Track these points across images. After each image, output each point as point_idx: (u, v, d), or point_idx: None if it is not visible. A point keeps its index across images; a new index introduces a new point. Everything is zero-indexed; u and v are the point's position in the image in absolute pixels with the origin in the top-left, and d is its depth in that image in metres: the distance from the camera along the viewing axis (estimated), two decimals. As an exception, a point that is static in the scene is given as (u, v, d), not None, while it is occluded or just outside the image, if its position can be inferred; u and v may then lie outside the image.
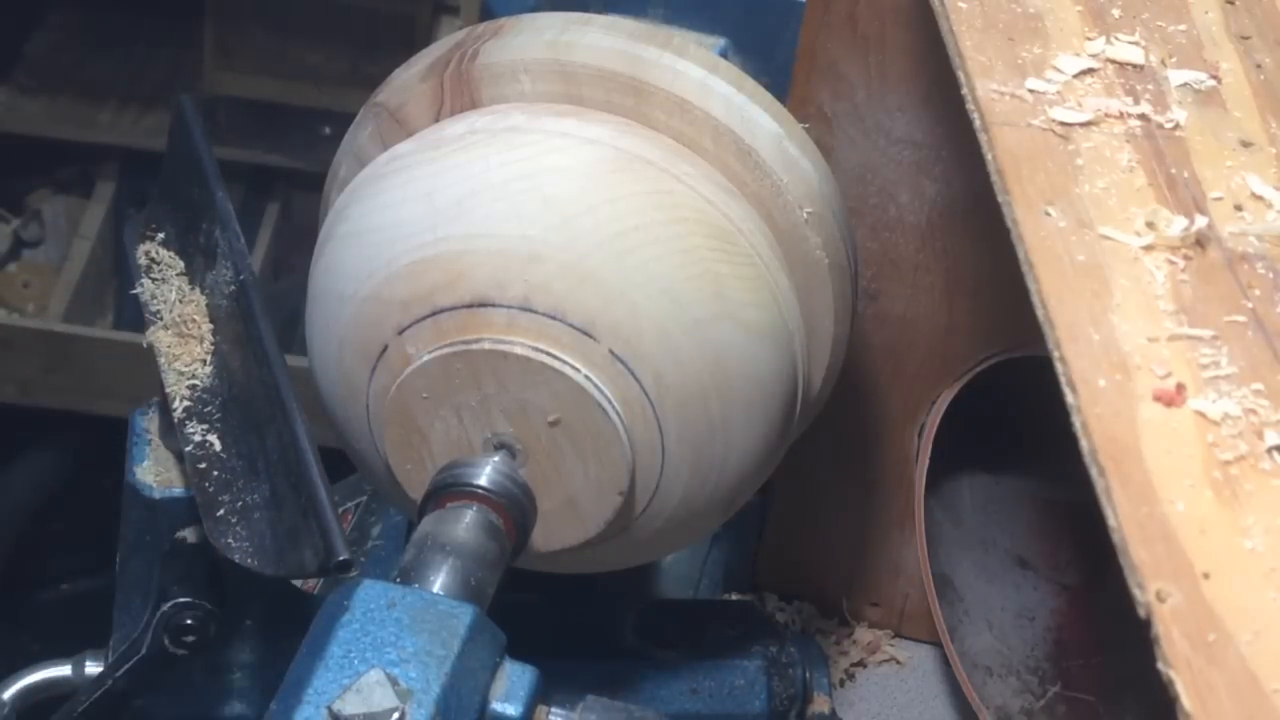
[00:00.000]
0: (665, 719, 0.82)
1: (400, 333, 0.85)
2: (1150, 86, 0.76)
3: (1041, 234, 0.66)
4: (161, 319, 0.92)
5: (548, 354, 0.83)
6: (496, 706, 0.75)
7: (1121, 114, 0.73)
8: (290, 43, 1.94)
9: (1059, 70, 0.76)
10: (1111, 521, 0.55)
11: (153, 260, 0.95)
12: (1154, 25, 0.80)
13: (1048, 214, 0.67)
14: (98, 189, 2.06)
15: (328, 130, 1.92)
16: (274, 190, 2.04)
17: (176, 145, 0.99)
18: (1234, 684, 0.50)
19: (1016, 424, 1.22)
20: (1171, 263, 0.65)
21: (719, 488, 0.90)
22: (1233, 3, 0.83)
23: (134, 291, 0.94)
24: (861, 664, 1.31)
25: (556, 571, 0.94)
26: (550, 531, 0.87)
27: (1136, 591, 0.53)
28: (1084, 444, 0.58)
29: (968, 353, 1.18)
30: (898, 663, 1.31)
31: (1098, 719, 1.24)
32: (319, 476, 0.78)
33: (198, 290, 0.93)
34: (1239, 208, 0.69)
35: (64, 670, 0.99)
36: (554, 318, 0.83)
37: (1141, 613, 0.52)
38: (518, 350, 0.83)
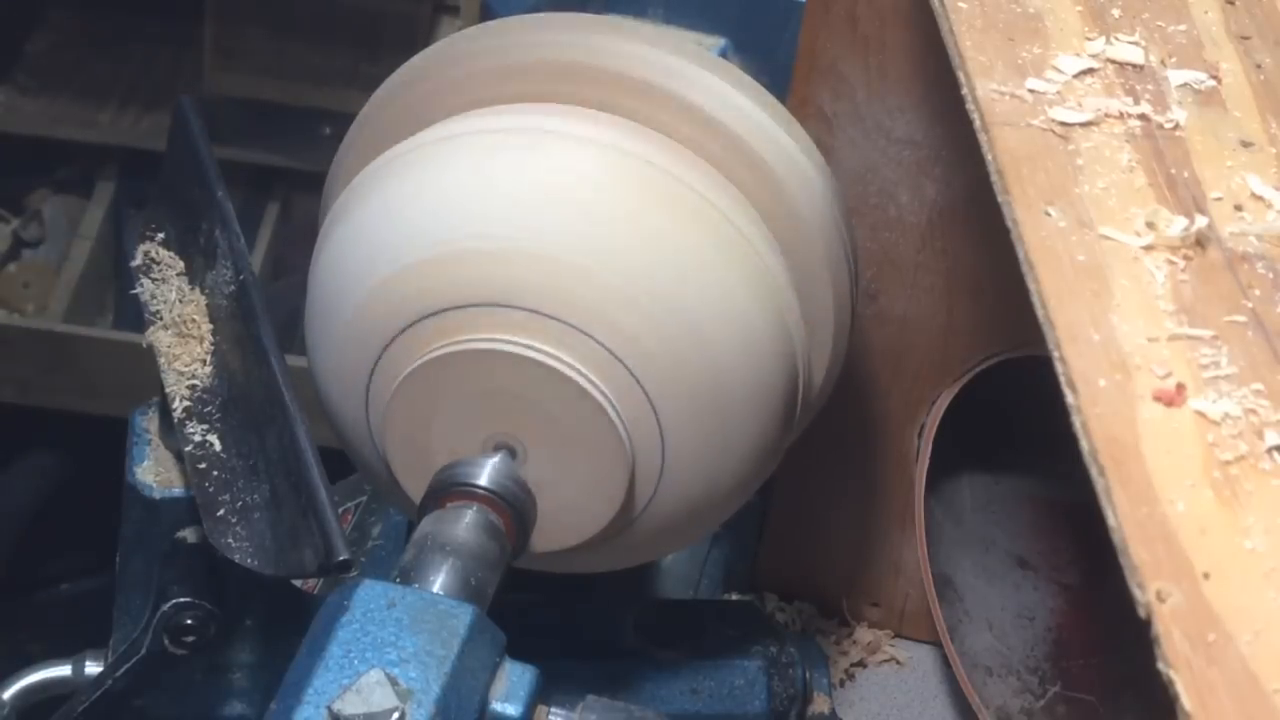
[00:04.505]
0: (665, 719, 0.82)
1: (400, 332, 0.85)
2: (1150, 86, 0.76)
3: (1041, 234, 0.66)
4: (161, 319, 0.92)
5: (547, 354, 0.83)
6: (496, 706, 0.75)
7: (1121, 114, 0.73)
8: (290, 43, 1.94)
9: (1059, 70, 0.76)
10: (1111, 521, 0.55)
11: (153, 260, 0.95)
12: (1154, 25, 0.80)
13: (1048, 214, 0.67)
14: (98, 189, 2.06)
15: (328, 130, 1.92)
16: (274, 190, 2.04)
17: (176, 145, 0.99)
18: (1234, 684, 0.50)
19: (1016, 424, 1.22)
20: (1171, 263, 0.65)
21: (719, 488, 0.90)
22: (1233, 3, 0.83)
23: (134, 291, 0.94)
24: (861, 664, 1.31)
25: (556, 571, 0.94)
26: (550, 531, 0.87)
27: (1136, 591, 0.53)
28: (1084, 444, 0.58)
29: (968, 353, 1.18)
30: (898, 663, 1.31)
31: (1098, 719, 1.24)
32: (319, 476, 0.78)
33: (198, 290, 0.93)
34: (1239, 208, 0.69)
35: (64, 670, 0.99)
36: (554, 318, 0.83)
37: (1141, 613, 0.52)
38: (517, 350, 0.83)
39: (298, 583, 1.02)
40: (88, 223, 2.04)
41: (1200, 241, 0.66)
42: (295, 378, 0.83)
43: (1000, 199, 0.68)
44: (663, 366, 0.85)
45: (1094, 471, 0.57)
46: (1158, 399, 0.59)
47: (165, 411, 0.91)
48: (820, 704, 1.06)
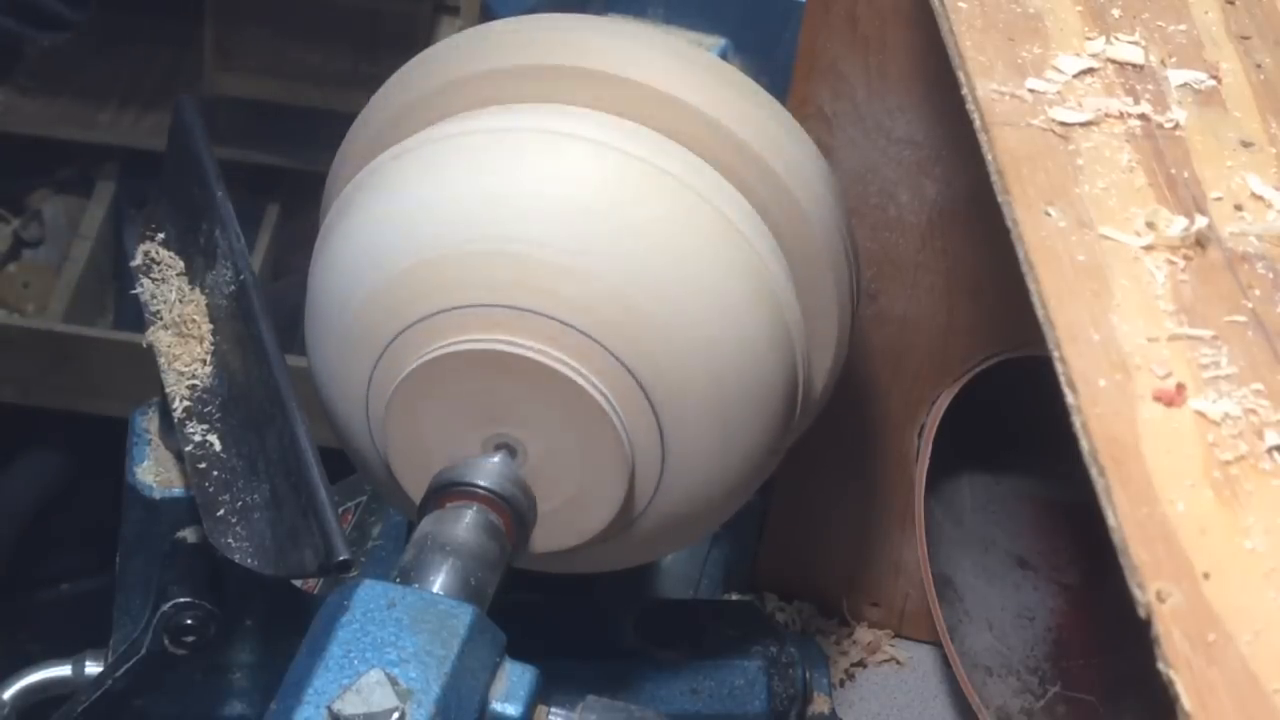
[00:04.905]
0: (665, 719, 0.82)
1: (400, 332, 0.85)
2: (1150, 86, 0.76)
3: (1041, 234, 0.66)
4: (161, 319, 0.92)
5: (547, 354, 0.83)
6: (496, 706, 0.75)
7: (1121, 114, 0.73)
8: (290, 43, 1.94)
9: (1059, 70, 0.76)
10: (1111, 521, 0.55)
11: (153, 260, 0.95)
12: (1154, 25, 0.80)
13: (1048, 214, 0.67)
14: (98, 189, 2.06)
15: (328, 130, 1.92)
16: (274, 190, 2.04)
17: (176, 145, 0.99)
18: (1234, 684, 0.50)
19: (1016, 424, 1.22)
20: (1171, 263, 0.65)
21: (719, 488, 0.90)
22: (1233, 3, 0.83)
23: (134, 291, 0.94)
24: (861, 664, 1.31)
25: (556, 571, 0.94)
26: (550, 531, 0.87)
27: (1136, 591, 0.53)
28: (1084, 444, 0.58)
29: (968, 353, 1.18)
30: (898, 663, 1.31)
31: (1098, 719, 1.24)
32: (319, 476, 0.78)
33: (198, 290, 0.93)
34: (1239, 208, 0.69)
35: (64, 670, 0.99)
36: (553, 318, 0.83)
37: (1141, 613, 0.52)
38: (517, 350, 0.83)
39: (298, 583, 1.02)
40: (88, 223, 2.03)
41: (1200, 241, 0.66)
42: (295, 378, 0.83)
43: (1000, 199, 0.68)
44: (662, 367, 0.85)
45: (1094, 471, 0.57)
46: (1158, 399, 0.59)
47: (165, 411, 0.91)
48: (820, 704, 1.06)
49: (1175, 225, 0.66)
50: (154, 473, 0.95)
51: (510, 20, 0.97)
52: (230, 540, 0.80)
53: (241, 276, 0.89)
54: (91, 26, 2.12)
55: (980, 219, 1.11)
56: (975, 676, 1.22)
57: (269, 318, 0.86)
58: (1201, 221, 0.66)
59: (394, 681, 0.71)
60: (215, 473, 0.84)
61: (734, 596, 1.32)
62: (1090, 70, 0.76)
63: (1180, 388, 0.60)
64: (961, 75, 0.76)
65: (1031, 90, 0.74)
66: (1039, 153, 0.71)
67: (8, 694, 0.98)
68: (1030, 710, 1.24)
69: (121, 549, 0.96)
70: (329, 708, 0.70)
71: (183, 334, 0.90)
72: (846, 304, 0.97)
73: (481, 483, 0.84)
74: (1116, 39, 0.78)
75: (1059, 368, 0.61)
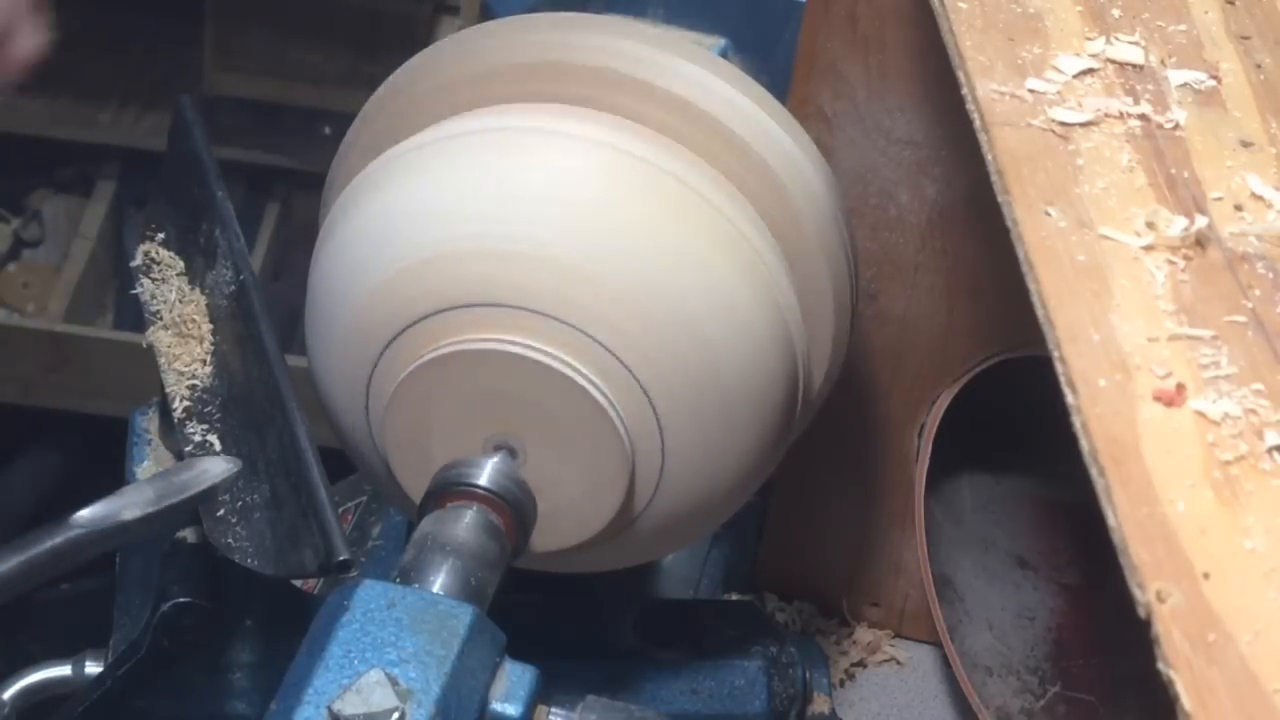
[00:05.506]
0: (665, 719, 0.82)
1: (400, 333, 0.85)
2: (1150, 86, 0.76)
3: (1041, 234, 0.66)
4: (161, 319, 0.92)
5: (547, 354, 0.83)
6: (496, 706, 0.75)
7: (1121, 114, 0.73)
8: (290, 43, 1.94)
9: (1059, 70, 0.76)
10: (1111, 521, 0.55)
11: (153, 260, 0.95)
12: (1154, 25, 0.80)
13: (1048, 214, 0.67)
14: (98, 189, 2.06)
15: (328, 130, 1.92)
16: (274, 190, 2.04)
17: (176, 145, 0.99)
18: (1234, 684, 0.50)
19: (1016, 424, 1.22)
20: (1171, 263, 0.65)
21: (719, 488, 0.90)
22: (1233, 3, 0.83)
23: (134, 291, 0.94)
24: (861, 664, 1.31)
25: (556, 571, 0.94)
26: (550, 531, 0.87)
27: (1136, 591, 0.53)
28: (1084, 444, 0.58)
29: (968, 353, 1.18)
30: (898, 663, 1.31)
31: (1098, 719, 1.24)
32: (319, 476, 0.78)
33: (198, 290, 0.93)
34: (1239, 208, 0.69)
35: (64, 670, 0.99)
36: (553, 317, 0.83)
37: (1141, 613, 0.53)
38: (517, 350, 0.83)
39: (298, 583, 1.02)
40: (88, 223, 2.04)
41: (1200, 241, 0.66)
42: (295, 378, 0.83)
43: (1000, 199, 0.68)
44: (662, 366, 0.85)
45: (1094, 471, 0.57)
46: (1158, 399, 0.59)
47: (165, 411, 0.91)
48: (820, 704, 1.06)
49: (1175, 225, 0.66)
50: (154, 473, 0.95)
51: (510, 19, 0.97)
52: (230, 540, 0.80)
53: (241, 276, 0.89)
54: (91, 26, 2.12)
55: (980, 219, 1.11)
56: (975, 676, 1.22)
57: (269, 318, 0.86)
58: (1201, 221, 0.66)
59: (394, 681, 0.71)
60: (215, 473, 0.84)
61: (734, 596, 1.32)
62: (1090, 70, 0.76)
63: (1180, 388, 0.60)
64: (961, 75, 0.76)
65: (1031, 90, 0.74)
66: (1039, 153, 0.71)
67: (8, 694, 0.98)
68: (1030, 710, 1.24)
69: (121, 549, 0.96)
70: (329, 708, 0.70)
71: (183, 334, 0.90)
72: (846, 303, 0.97)
73: (481, 483, 0.84)
74: (1116, 39, 0.78)
75: (1059, 368, 0.61)
